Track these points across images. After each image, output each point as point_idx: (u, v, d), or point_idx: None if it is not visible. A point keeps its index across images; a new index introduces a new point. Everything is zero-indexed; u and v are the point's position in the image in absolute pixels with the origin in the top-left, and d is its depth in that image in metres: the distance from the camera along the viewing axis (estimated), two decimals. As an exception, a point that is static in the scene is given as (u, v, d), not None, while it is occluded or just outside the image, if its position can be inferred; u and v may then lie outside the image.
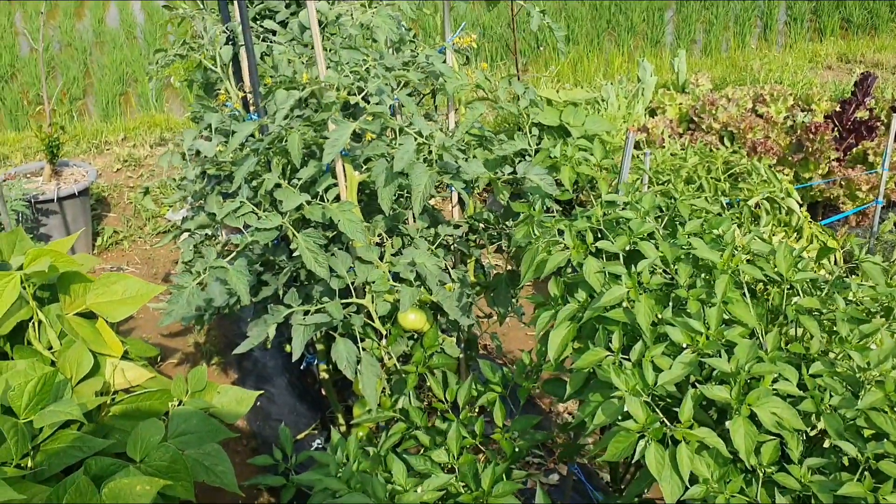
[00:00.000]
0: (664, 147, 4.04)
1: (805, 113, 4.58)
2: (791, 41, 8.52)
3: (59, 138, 4.26)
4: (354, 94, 1.95)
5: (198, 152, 2.61)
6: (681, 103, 4.75)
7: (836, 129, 4.18)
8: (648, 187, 2.23)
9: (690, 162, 3.35)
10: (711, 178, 3.36)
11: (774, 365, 1.44)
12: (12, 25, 10.20)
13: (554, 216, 1.90)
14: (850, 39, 8.35)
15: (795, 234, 3.14)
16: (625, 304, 1.55)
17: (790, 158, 3.95)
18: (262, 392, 2.34)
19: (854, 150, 4.14)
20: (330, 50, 2.25)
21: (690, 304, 1.55)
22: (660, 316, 1.56)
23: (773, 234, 3.10)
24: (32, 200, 4.07)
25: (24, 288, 2.24)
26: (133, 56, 8.55)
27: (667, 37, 8.88)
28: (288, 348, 2.35)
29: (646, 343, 1.48)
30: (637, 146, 4.34)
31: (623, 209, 1.76)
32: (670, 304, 1.60)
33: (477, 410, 2.05)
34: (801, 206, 3.38)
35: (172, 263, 4.39)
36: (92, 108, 7.52)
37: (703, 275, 1.68)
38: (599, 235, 1.73)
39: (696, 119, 4.54)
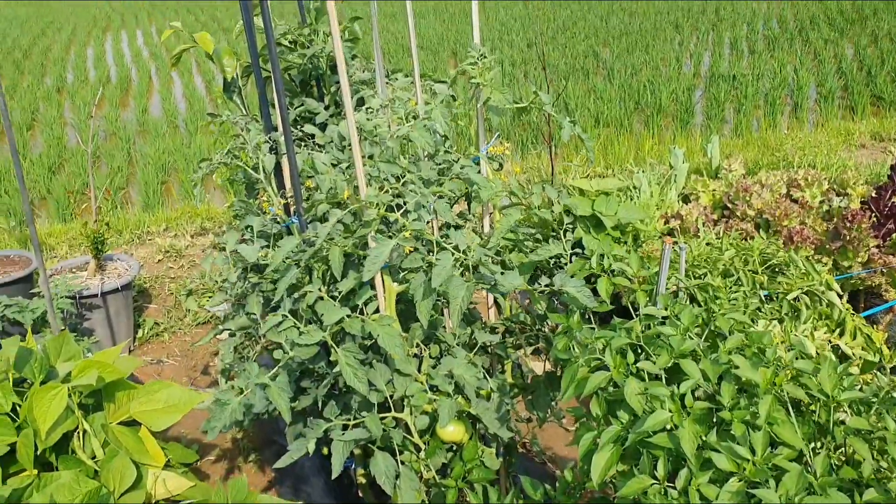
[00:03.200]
0: (699, 236, 4.03)
1: (841, 197, 4.56)
2: (822, 119, 8.55)
3: (104, 234, 4.40)
4: (394, 210, 2.00)
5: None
6: (714, 189, 4.76)
7: (873, 214, 4.15)
8: (686, 281, 2.22)
9: (727, 255, 3.34)
10: (749, 270, 3.34)
11: (826, 495, 1.40)
12: (61, 116, 10.67)
13: (592, 326, 1.90)
14: (882, 117, 8.35)
15: (837, 328, 3.09)
16: (668, 426, 1.54)
17: (828, 246, 3.92)
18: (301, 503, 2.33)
19: (894, 235, 4.10)
20: (368, 156, 2.32)
21: (735, 426, 1.53)
22: (704, 438, 1.54)
23: (815, 329, 3.05)
24: (77, 296, 4.18)
25: (71, 398, 2.28)
26: (175, 145, 8.85)
27: (697, 117, 8.97)
28: (325, 451, 2.35)
29: (691, 470, 1.46)
30: (671, 233, 4.35)
31: (662, 323, 1.76)
32: (714, 424, 1.58)
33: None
34: (841, 296, 3.33)
35: (211, 355, 4.44)
36: (134, 195, 7.76)
37: (745, 392, 1.66)
38: (639, 350, 1.73)
39: (730, 206, 4.54)
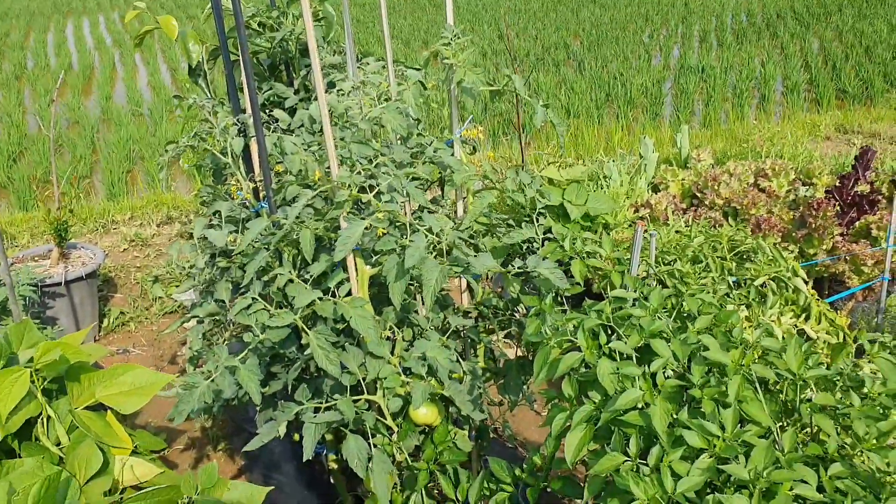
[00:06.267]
0: (668, 224, 4.07)
1: (807, 187, 4.63)
2: (789, 111, 8.67)
3: (68, 221, 4.31)
4: (366, 192, 1.98)
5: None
6: (683, 179, 4.81)
7: (837, 203, 4.22)
8: (656, 267, 2.24)
9: (696, 242, 3.37)
10: (717, 256, 3.37)
11: (793, 469, 1.42)
12: (21, 104, 10.43)
13: (564, 308, 1.91)
14: (846, 110, 8.50)
15: (803, 313, 3.14)
16: (640, 405, 1.55)
17: (794, 234, 3.98)
18: (272, 488, 2.31)
19: (857, 224, 4.17)
20: (340, 139, 2.29)
21: (705, 403, 1.54)
22: (675, 416, 1.55)
23: (782, 315, 3.10)
24: (40, 284, 4.09)
25: (33, 383, 2.23)
26: (140, 133, 8.70)
27: (666, 108, 9.04)
28: (297, 437, 2.33)
29: (663, 447, 1.47)
30: (641, 220, 4.38)
31: (633, 305, 1.77)
32: (685, 402, 1.59)
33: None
34: (806, 283, 3.38)
35: (179, 344, 4.38)
36: (99, 185, 7.62)
37: (715, 370, 1.68)
38: (610, 332, 1.73)
39: (698, 195, 4.58)
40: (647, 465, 1.48)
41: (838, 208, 4.17)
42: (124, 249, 5.59)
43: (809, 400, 1.63)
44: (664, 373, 1.63)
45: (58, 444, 2.23)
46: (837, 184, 4.34)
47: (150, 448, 2.42)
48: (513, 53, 5.92)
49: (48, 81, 11.48)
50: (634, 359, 1.64)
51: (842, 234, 4.04)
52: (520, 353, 2.60)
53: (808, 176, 4.86)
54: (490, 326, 2.49)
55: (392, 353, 2.09)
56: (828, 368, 1.64)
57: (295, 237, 2.06)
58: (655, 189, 4.95)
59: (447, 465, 2.04)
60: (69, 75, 11.94)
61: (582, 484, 1.82)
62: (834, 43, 11.38)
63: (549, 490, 1.90)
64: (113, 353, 4.30)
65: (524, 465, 1.94)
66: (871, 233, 4.06)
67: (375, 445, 2.00)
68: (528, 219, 2.42)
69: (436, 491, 2.34)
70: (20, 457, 2.18)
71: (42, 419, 2.26)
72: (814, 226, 3.94)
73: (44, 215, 4.30)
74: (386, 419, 2.10)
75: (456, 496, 1.97)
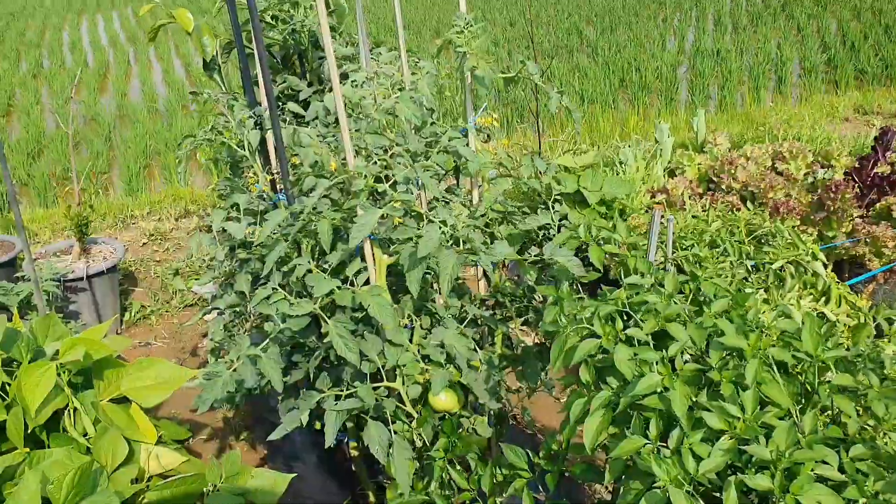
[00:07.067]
0: (685, 209, 4.05)
1: (825, 169, 4.59)
2: (806, 94, 8.58)
3: (88, 217, 4.36)
4: (382, 182, 2.00)
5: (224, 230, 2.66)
6: (699, 163, 4.78)
7: (856, 185, 4.18)
8: (673, 253, 2.24)
9: (713, 227, 3.36)
10: (735, 241, 3.36)
11: (814, 451, 1.42)
12: (38, 102, 10.52)
13: (581, 296, 1.91)
14: (865, 91, 8.39)
15: (822, 297, 3.12)
16: (659, 390, 1.55)
17: (813, 217, 3.95)
18: (295, 475, 2.34)
19: (877, 205, 4.13)
20: (355, 130, 2.30)
21: (724, 386, 1.55)
22: (695, 399, 1.55)
23: (801, 298, 3.08)
24: (62, 279, 4.15)
25: (60, 376, 2.27)
26: (156, 129, 8.76)
27: (681, 93, 8.98)
28: (318, 425, 2.36)
29: (683, 430, 1.48)
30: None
31: (648, 290, 1.77)
32: (703, 385, 1.60)
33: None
34: (826, 266, 3.36)
35: (200, 336, 4.43)
36: (117, 180, 7.69)
37: (732, 354, 1.68)
38: (627, 317, 1.74)
39: (715, 179, 4.56)
40: (667, 447, 1.49)
41: (857, 190, 4.13)
42: (144, 244, 5.64)
43: (829, 381, 1.63)
44: (682, 357, 1.63)
45: (84, 435, 2.27)
46: (856, 165, 4.29)
47: (174, 437, 2.46)
48: (532, 36, 5.89)
49: (64, 79, 11.57)
50: (651, 344, 1.65)
51: (861, 217, 4.01)
52: (537, 340, 2.61)
53: (826, 158, 4.81)
54: (507, 314, 2.50)
55: (411, 340, 2.10)
56: (847, 350, 1.64)
57: (313, 228, 2.08)
58: (671, 174, 4.93)
59: (464, 455, 2.06)
60: (85, 73, 12.03)
61: (601, 469, 1.83)
62: (852, 22, 11.23)
63: (567, 475, 1.91)
64: (135, 346, 4.35)
65: (540, 452, 1.95)
66: (892, 214, 4.02)
67: (395, 432, 2.02)
68: (543, 205, 2.42)
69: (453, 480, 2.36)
70: (49, 447, 2.22)
71: (69, 411, 2.30)
72: (832, 208, 3.91)
73: (64, 211, 4.35)
74: (406, 406, 2.11)
75: (470, 486, 1.98)
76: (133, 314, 4.65)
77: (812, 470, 1.43)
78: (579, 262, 1.97)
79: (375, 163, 2.00)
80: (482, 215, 2.29)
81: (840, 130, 6.81)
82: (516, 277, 4.03)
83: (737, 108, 8.21)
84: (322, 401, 2.00)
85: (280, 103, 2.97)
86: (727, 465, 1.47)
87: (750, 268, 3.16)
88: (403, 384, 2.07)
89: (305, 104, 2.98)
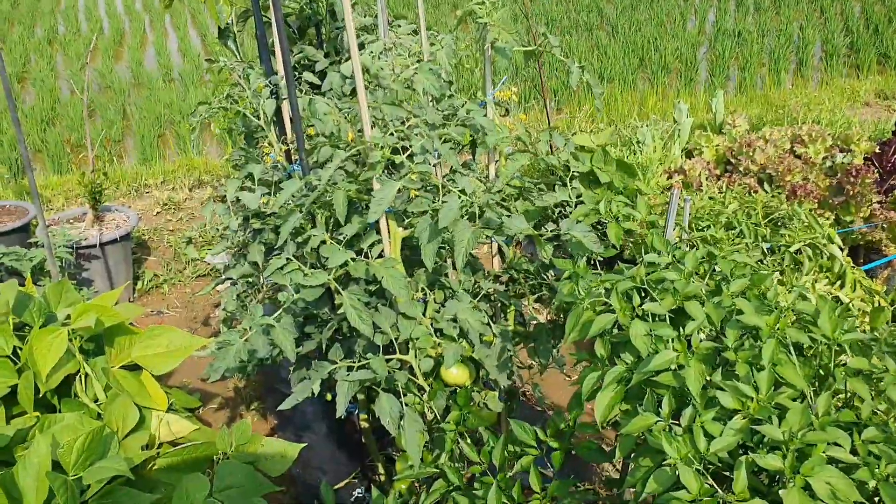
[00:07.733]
0: (702, 190, 4.02)
1: (844, 154, 4.53)
2: (827, 77, 8.46)
3: (102, 184, 4.37)
4: (399, 153, 1.98)
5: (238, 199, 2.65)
6: (717, 144, 4.73)
7: (876, 170, 4.13)
8: (689, 233, 2.22)
9: (730, 208, 3.32)
10: (751, 223, 3.33)
11: (826, 432, 1.41)
12: (53, 69, 10.50)
13: (598, 272, 1.90)
14: (887, 75, 8.27)
15: (838, 280, 3.09)
16: (673, 367, 1.54)
17: (831, 201, 3.91)
18: (305, 445, 2.35)
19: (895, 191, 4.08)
20: (371, 104, 2.28)
21: (739, 366, 1.54)
22: (709, 378, 1.54)
23: (816, 281, 3.06)
24: (75, 246, 4.16)
25: (71, 342, 2.28)
26: (171, 98, 8.73)
27: (701, 74, 8.87)
28: (329, 397, 2.37)
29: (696, 408, 1.47)
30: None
31: (666, 268, 1.76)
32: (718, 364, 1.59)
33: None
34: (842, 250, 3.33)
35: (212, 307, 4.44)
36: (131, 149, 7.69)
37: (749, 334, 1.66)
38: (644, 294, 1.72)
39: (733, 161, 4.51)
40: (679, 425, 1.48)
41: (877, 175, 4.08)
42: (157, 213, 5.65)
43: (844, 364, 1.62)
44: (698, 335, 1.62)
45: (95, 401, 2.29)
46: (877, 150, 4.24)
47: (185, 406, 2.47)
48: (528, 14, 5.80)
49: (79, 46, 11.53)
50: (668, 321, 1.64)
51: (880, 202, 3.96)
52: (550, 318, 2.59)
53: (845, 142, 4.75)
54: (520, 290, 2.49)
55: (424, 314, 2.10)
56: (864, 333, 1.62)
57: (328, 199, 2.07)
58: (689, 155, 4.88)
59: (475, 429, 2.06)
60: (100, 40, 11.99)
61: (607, 449, 1.82)
62: (877, 5, 11.04)
63: (573, 453, 1.90)
64: (147, 315, 4.37)
65: (548, 430, 1.95)
66: (911, 200, 3.97)
67: (407, 404, 2.02)
68: (560, 182, 2.40)
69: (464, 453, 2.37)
70: (60, 412, 2.24)
71: (80, 377, 2.31)
72: (851, 193, 3.86)
73: (78, 178, 4.36)
74: (417, 379, 2.11)
75: (480, 459, 1.98)
76: (145, 283, 4.66)
77: (824, 452, 1.42)
78: (596, 238, 1.96)
79: (392, 134, 1.98)
80: (499, 191, 2.27)
81: (860, 115, 6.72)
82: (530, 255, 4.02)
83: (756, 90, 8.10)
84: (334, 371, 2.00)
85: (296, 73, 2.94)
86: (738, 445, 1.46)
87: (766, 250, 3.13)
88: (416, 357, 2.07)
89: (321, 75, 2.96)
